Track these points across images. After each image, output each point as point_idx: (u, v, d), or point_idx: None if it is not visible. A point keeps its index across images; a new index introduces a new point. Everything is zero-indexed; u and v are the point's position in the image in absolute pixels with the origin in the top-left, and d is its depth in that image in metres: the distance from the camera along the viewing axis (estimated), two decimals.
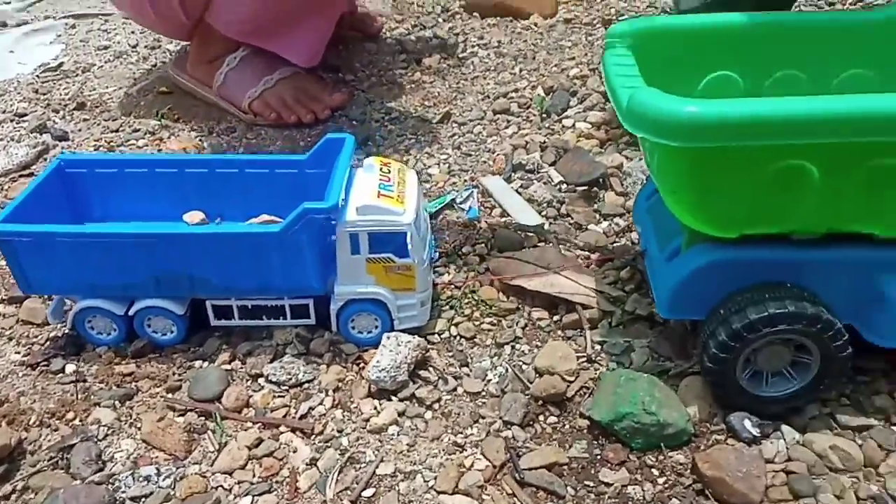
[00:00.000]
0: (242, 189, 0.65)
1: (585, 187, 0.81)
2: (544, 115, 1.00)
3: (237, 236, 0.56)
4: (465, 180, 0.86)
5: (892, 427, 0.51)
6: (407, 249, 0.56)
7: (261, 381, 0.59)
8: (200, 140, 0.99)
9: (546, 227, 0.74)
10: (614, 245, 0.73)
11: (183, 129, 1.02)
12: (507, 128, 0.97)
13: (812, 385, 0.49)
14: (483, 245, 0.73)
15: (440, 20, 1.40)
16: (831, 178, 0.44)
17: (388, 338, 0.57)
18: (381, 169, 0.59)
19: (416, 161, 0.91)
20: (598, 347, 0.60)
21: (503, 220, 0.77)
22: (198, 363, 0.61)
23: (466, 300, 0.67)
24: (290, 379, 0.58)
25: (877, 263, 0.48)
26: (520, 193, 0.82)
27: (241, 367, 0.61)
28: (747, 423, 0.50)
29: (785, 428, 0.50)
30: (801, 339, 0.47)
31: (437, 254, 0.70)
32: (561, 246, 0.71)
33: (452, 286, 0.68)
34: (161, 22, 1.01)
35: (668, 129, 0.42)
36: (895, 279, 0.48)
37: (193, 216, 0.67)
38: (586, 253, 0.70)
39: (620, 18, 1.35)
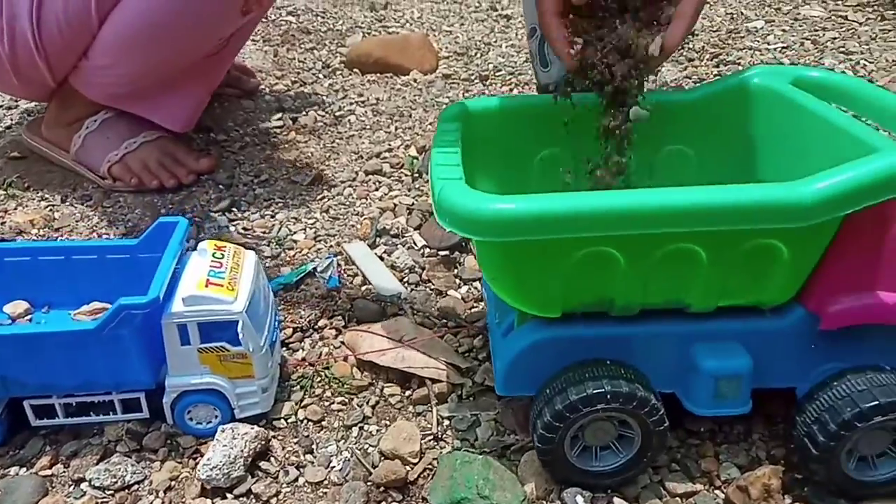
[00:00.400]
0: (71, 276, 0.61)
1: (447, 252, 0.81)
2: (416, 176, 1.01)
3: (49, 336, 0.52)
4: (331, 246, 0.85)
5: (716, 491, 0.53)
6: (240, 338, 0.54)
7: (83, 486, 0.55)
8: (51, 210, 0.94)
9: (405, 294, 0.74)
10: (472, 310, 0.73)
11: (33, 199, 0.96)
12: (377, 189, 0.97)
13: (637, 457, 0.50)
14: (341, 317, 0.72)
15: (321, 76, 1.40)
16: (635, 262, 0.45)
17: (223, 430, 0.55)
18: (213, 254, 0.57)
19: (282, 227, 0.89)
20: (445, 423, 0.59)
21: (364, 288, 0.76)
22: (13, 469, 0.56)
23: (319, 379, 0.65)
24: (116, 482, 0.54)
25: (690, 335, 0.50)
26: (383, 259, 0.81)
27: (64, 472, 0.56)
28: (579, 499, 0.50)
29: (617, 500, 0.51)
30: (621, 415, 0.48)
31: (281, 333, 0.68)
32: (417, 315, 0.71)
33: (306, 363, 0.66)
34: (23, 86, 0.95)
35: (472, 225, 0.43)
36: (707, 350, 0.50)
37: (16, 307, 0.62)
38: (444, 321, 0.70)
39: (497, 74, 1.39)
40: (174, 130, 1.00)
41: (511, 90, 1.32)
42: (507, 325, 0.55)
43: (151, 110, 0.97)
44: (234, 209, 0.93)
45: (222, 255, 0.57)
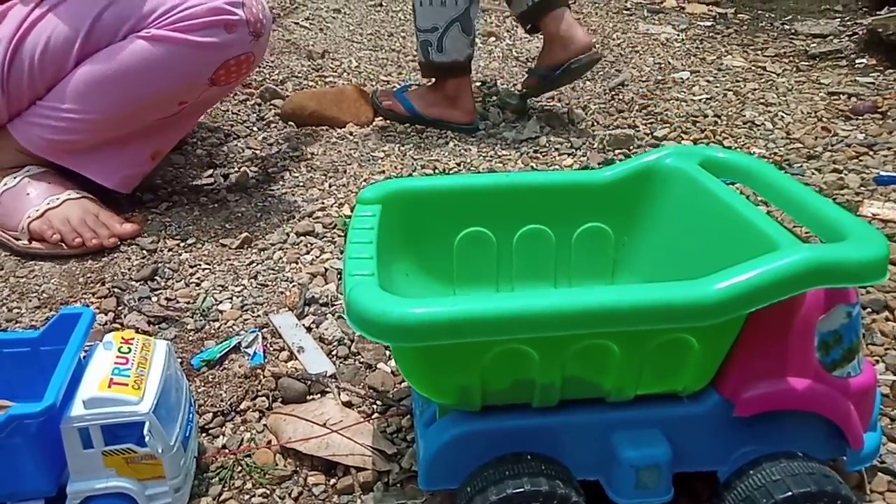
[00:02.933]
0: None
1: None
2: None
3: None
4: (258, 315, 0.82)
5: None
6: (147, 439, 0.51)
7: None
8: None
9: (332, 371, 0.72)
10: (401, 384, 0.72)
11: None
12: (308, 252, 0.96)
13: None
14: (264, 398, 0.69)
15: (255, 129, 1.38)
16: (549, 357, 0.45)
17: None
18: (119, 348, 0.54)
19: (207, 296, 0.86)
20: None
21: (290, 364, 0.74)
22: None
23: (239, 468, 0.62)
24: None
25: (610, 424, 0.50)
26: (311, 331, 0.79)
27: None
28: None
29: None
30: None
31: (200, 419, 0.65)
32: (345, 393, 0.69)
33: (226, 451, 0.63)
34: None
35: (381, 331, 0.41)
36: (626, 439, 0.50)
37: None
38: (372, 399, 0.69)
39: (432, 129, 1.40)
40: (112, 188, 0.99)
41: (447, 143, 1.33)
42: (430, 414, 0.54)
43: (90, 166, 0.97)
44: (157, 277, 0.90)
45: (129, 348, 0.54)
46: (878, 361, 0.72)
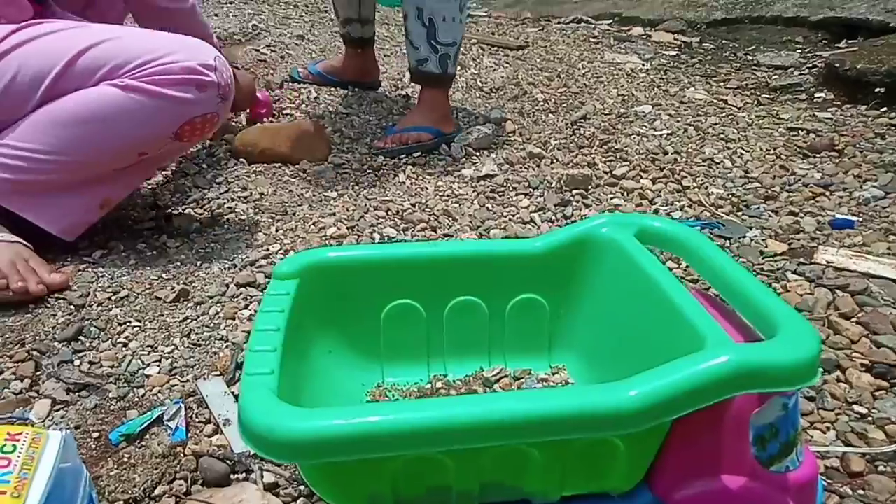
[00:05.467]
0: None
1: None
2: None
3: None
4: (186, 381, 0.78)
5: None
6: None
7: None
8: None
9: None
10: None
11: None
12: (246, 307, 0.91)
13: None
14: (183, 480, 0.64)
15: (204, 166, 1.34)
16: (465, 464, 0.42)
17: None
18: (2, 448, 0.49)
19: (134, 358, 0.81)
20: None
21: (215, 439, 0.69)
22: None
23: None
24: None
25: None
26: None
27: None
28: None
29: None
30: None
31: None
32: (268, 473, 0.65)
33: None
34: None
35: (269, 448, 0.38)
36: None
37: None
38: (295, 483, 0.64)
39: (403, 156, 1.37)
40: (57, 235, 0.97)
41: (402, 182, 1.30)
42: None
43: (36, 210, 0.95)
44: (81, 337, 0.85)
45: (14, 447, 0.50)
46: (828, 429, 0.69)
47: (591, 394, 0.38)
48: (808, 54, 2.29)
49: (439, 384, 0.57)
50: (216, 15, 2.27)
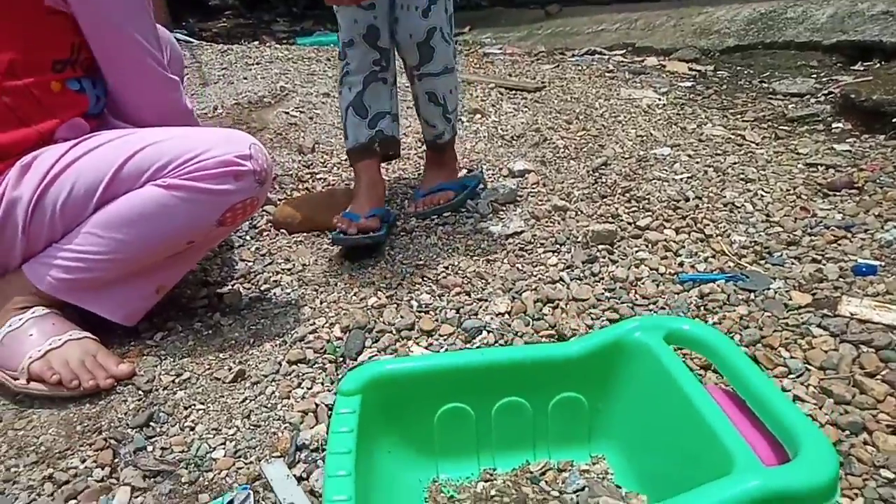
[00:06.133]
0: None
1: None
2: (339, 362, 1.02)
3: None
4: (250, 463, 0.84)
5: None
6: None
7: None
8: None
9: None
10: None
11: None
12: (299, 385, 0.98)
13: None
14: None
15: (248, 238, 1.42)
16: None
17: None
18: None
19: (201, 442, 0.88)
20: None
21: None
22: None
23: None
24: None
25: None
26: (302, 481, 0.81)
27: None
28: None
29: None
30: None
31: None
32: None
33: None
34: None
35: None
36: None
37: None
38: None
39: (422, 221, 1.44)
40: (118, 322, 1.04)
41: (434, 244, 1.36)
42: None
43: (96, 302, 1.02)
44: (152, 423, 0.92)
45: None
46: (856, 496, 0.73)
47: None
48: (824, 79, 2.32)
49: (489, 478, 0.62)
50: (245, 78, 2.38)
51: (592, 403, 0.64)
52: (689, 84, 2.53)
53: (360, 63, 1.37)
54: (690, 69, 2.71)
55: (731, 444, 0.48)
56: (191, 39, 4.49)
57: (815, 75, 2.37)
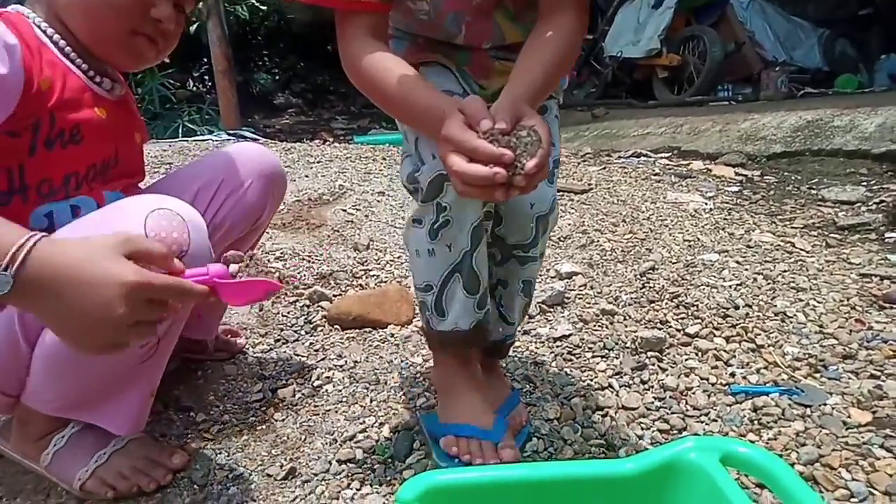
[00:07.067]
0: None
1: None
2: (388, 463, 1.03)
3: None
4: None
5: None
6: None
7: None
8: None
9: None
10: None
11: None
12: (349, 486, 0.99)
13: None
14: None
15: (303, 332, 1.47)
16: None
17: None
18: None
19: None
20: None
21: None
22: None
23: None
24: None
25: None
26: None
27: None
28: None
29: None
30: None
31: None
32: None
33: None
34: None
35: None
36: None
37: None
38: None
39: None
40: (124, 434, 1.00)
41: None
42: None
43: (98, 418, 0.98)
44: None
45: None
46: None
47: None
48: (874, 187, 2.33)
49: None
50: (306, 176, 2.54)
51: None
52: (735, 189, 2.56)
53: (466, 209, 0.92)
54: (737, 174, 2.75)
55: None
56: (256, 137, 4.82)
57: (864, 183, 2.37)
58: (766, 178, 2.67)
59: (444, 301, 0.99)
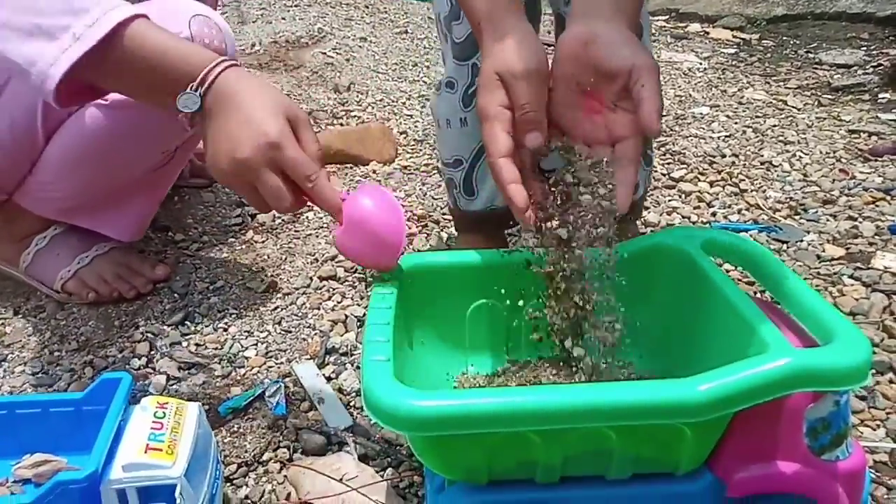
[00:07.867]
0: (14, 428, 0.63)
1: None
2: (369, 281, 1.04)
3: None
4: (281, 363, 0.87)
5: None
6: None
7: None
8: (2, 324, 0.94)
9: (350, 423, 0.76)
10: None
11: None
12: (329, 298, 1.00)
13: None
14: (286, 449, 0.73)
15: None
16: (551, 443, 0.49)
17: None
18: (155, 413, 0.59)
19: (234, 342, 0.91)
20: None
21: (311, 415, 0.78)
22: None
23: None
24: None
25: (609, 499, 0.53)
26: (331, 380, 0.83)
27: None
28: None
29: None
30: None
31: (225, 469, 0.70)
32: (360, 447, 0.73)
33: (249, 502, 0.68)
34: None
35: (392, 421, 0.45)
36: None
37: None
38: (386, 454, 0.72)
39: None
40: (124, 241, 1.01)
41: None
42: (440, 480, 0.58)
43: (99, 223, 0.98)
44: (187, 321, 0.95)
45: (164, 413, 0.59)
46: (878, 426, 0.73)
47: (666, 387, 0.45)
48: (874, 52, 2.26)
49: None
50: (283, 18, 2.38)
51: (628, 312, 0.64)
52: (732, 51, 2.47)
53: None
54: (735, 37, 2.65)
55: (769, 335, 0.48)
56: None
57: (864, 47, 2.30)
58: (764, 41, 2.58)
59: (474, 178, 0.91)
